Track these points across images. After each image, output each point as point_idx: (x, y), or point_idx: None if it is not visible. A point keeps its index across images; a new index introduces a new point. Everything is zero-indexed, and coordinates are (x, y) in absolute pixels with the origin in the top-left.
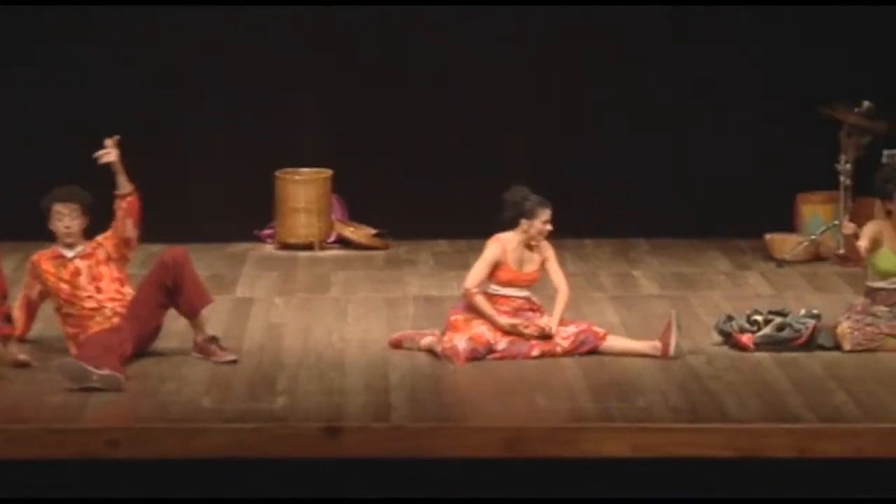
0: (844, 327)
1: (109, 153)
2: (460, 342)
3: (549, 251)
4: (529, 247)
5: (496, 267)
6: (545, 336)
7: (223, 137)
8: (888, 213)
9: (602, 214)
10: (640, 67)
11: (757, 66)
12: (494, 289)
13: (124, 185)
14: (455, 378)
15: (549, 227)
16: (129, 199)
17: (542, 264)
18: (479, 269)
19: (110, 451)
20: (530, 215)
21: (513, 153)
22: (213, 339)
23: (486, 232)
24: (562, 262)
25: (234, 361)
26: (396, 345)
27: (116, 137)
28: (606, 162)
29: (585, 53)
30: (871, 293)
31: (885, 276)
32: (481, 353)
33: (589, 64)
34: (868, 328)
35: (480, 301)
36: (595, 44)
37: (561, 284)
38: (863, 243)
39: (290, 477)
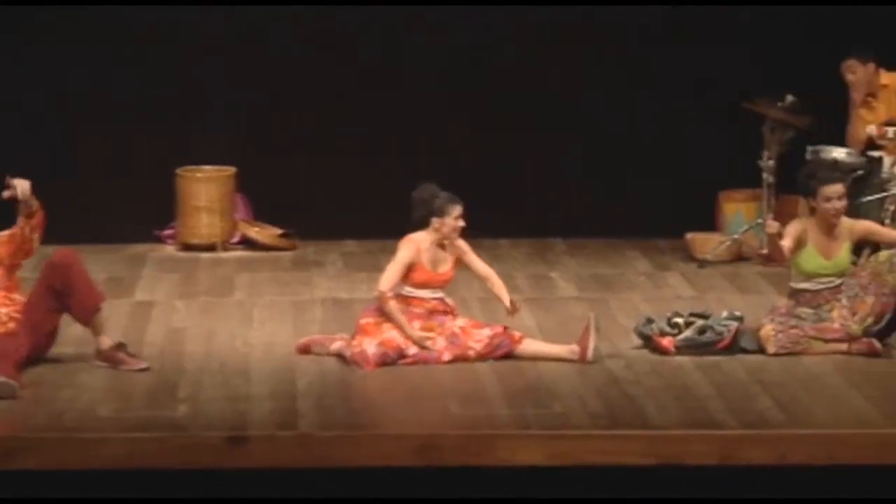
0: (768, 329)
1: (19, 186)
2: (370, 347)
3: (464, 246)
4: (442, 246)
5: (410, 268)
6: (513, 311)
7: (121, 135)
8: (812, 211)
9: (518, 213)
10: (550, 62)
11: (674, 61)
12: (409, 290)
13: (33, 203)
14: (365, 384)
15: (461, 223)
16: (37, 215)
17: (456, 263)
18: (392, 272)
19: (5, 462)
20: (441, 213)
21: (423, 150)
22: (121, 346)
23: (397, 232)
24: None
25: (146, 369)
26: (304, 350)
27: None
28: (522, 159)
29: (482, 48)
30: (795, 294)
31: (809, 276)
32: (392, 358)
33: (492, 59)
34: (792, 331)
35: (393, 308)
36: (483, 43)
37: (487, 271)
38: (786, 243)
39: (192, 488)
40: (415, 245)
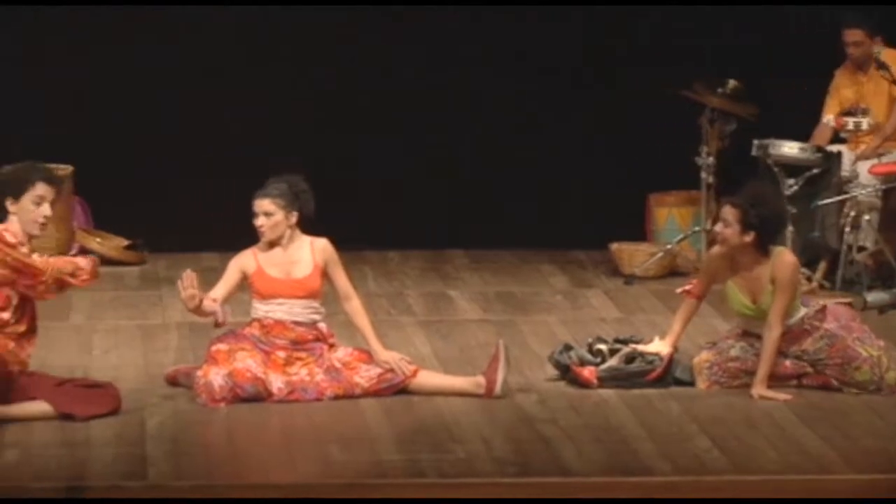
0: (701, 359)
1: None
2: (216, 378)
3: (330, 253)
4: (272, 245)
5: (250, 279)
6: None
7: None
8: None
9: (411, 220)
10: (443, 55)
11: (595, 45)
12: (263, 310)
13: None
14: (227, 425)
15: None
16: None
17: (322, 272)
18: (220, 282)
19: None
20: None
21: (291, 146)
22: None
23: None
24: (362, 279)
25: None
26: (172, 381)
27: None
28: (415, 159)
29: (368, 47)
30: (739, 324)
31: (737, 314)
32: (247, 393)
33: (370, 57)
34: (731, 364)
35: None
36: (393, 40)
37: (349, 291)
38: (693, 289)
39: None
40: (247, 252)
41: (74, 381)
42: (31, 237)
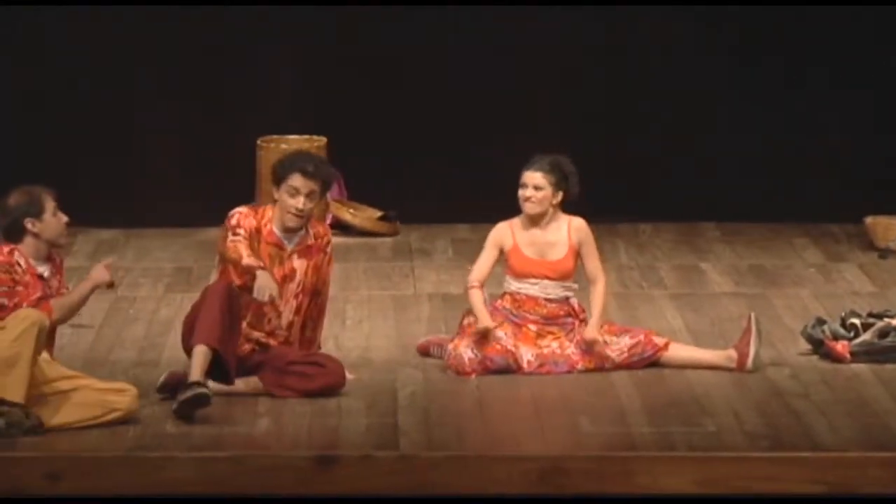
0: None
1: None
2: (467, 351)
3: (585, 234)
4: (533, 221)
5: (507, 255)
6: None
7: (189, 99)
8: None
9: (662, 193)
10: (711, 25)
11: (849, 16)
12: (515, 286)
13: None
14: (478, 396)
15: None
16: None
17: (576, 253)
18: (479, 259)
19: (50, 486)
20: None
21: (548, 120)
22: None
23: (516, 214)
24: (614, 252)
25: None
26: (424, 351)
27: None
28: (668, 131)
29: (642, 9)
30: None
31: None
32: (497, 365)
33: (648, 20)
34: None
35: (474, 298)
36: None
37: (597, 275)
38: None
39: None
40: (504, 225)
41: (304, 357)
42: (286, 227)
